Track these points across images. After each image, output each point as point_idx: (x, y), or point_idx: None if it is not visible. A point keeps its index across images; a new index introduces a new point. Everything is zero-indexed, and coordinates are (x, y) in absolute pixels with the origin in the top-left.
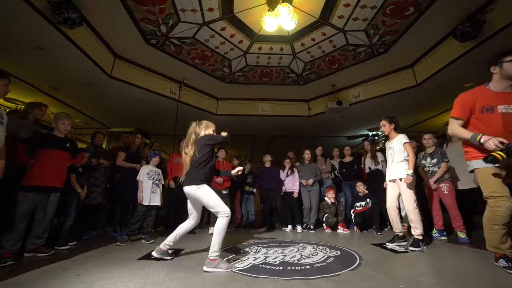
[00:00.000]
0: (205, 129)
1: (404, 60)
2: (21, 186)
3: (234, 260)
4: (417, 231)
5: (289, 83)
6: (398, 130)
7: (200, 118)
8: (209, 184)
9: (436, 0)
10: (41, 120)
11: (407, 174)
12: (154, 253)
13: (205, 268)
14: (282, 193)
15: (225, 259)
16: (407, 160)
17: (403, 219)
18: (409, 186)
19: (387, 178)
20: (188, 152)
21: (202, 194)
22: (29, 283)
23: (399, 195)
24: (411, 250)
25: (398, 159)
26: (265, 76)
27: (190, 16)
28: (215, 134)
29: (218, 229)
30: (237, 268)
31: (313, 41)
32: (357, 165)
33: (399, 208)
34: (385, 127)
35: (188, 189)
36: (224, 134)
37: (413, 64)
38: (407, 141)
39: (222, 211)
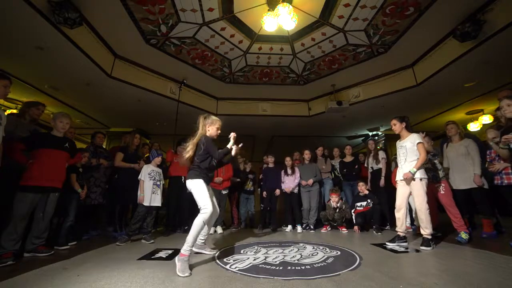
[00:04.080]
0: (210, 125)
1: (404, 60)
2: (20, 186)
3: (234, 260)
4: (426, 230)
5: (289, 83)
6: (410, 129)
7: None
8: (207, 181)
9: (436, 0)
10: (39, 119)
11: (409, 171)
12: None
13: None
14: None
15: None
16: None
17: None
18: (421, 186)
19: (398, 177)
20: (190, 148)
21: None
22: (29, 283)
23: (409, 195)
24: (422, 250)
25: (411, 159)
26: (265, 76)
27: (190, 16)
28: (219, 131)
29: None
30: (237, 268)
31: (313, 41)
32: (358, 165)
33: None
34: (396, 126)
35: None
36: (229, 146)
37: (413, 64)
38: (421, 141)
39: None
